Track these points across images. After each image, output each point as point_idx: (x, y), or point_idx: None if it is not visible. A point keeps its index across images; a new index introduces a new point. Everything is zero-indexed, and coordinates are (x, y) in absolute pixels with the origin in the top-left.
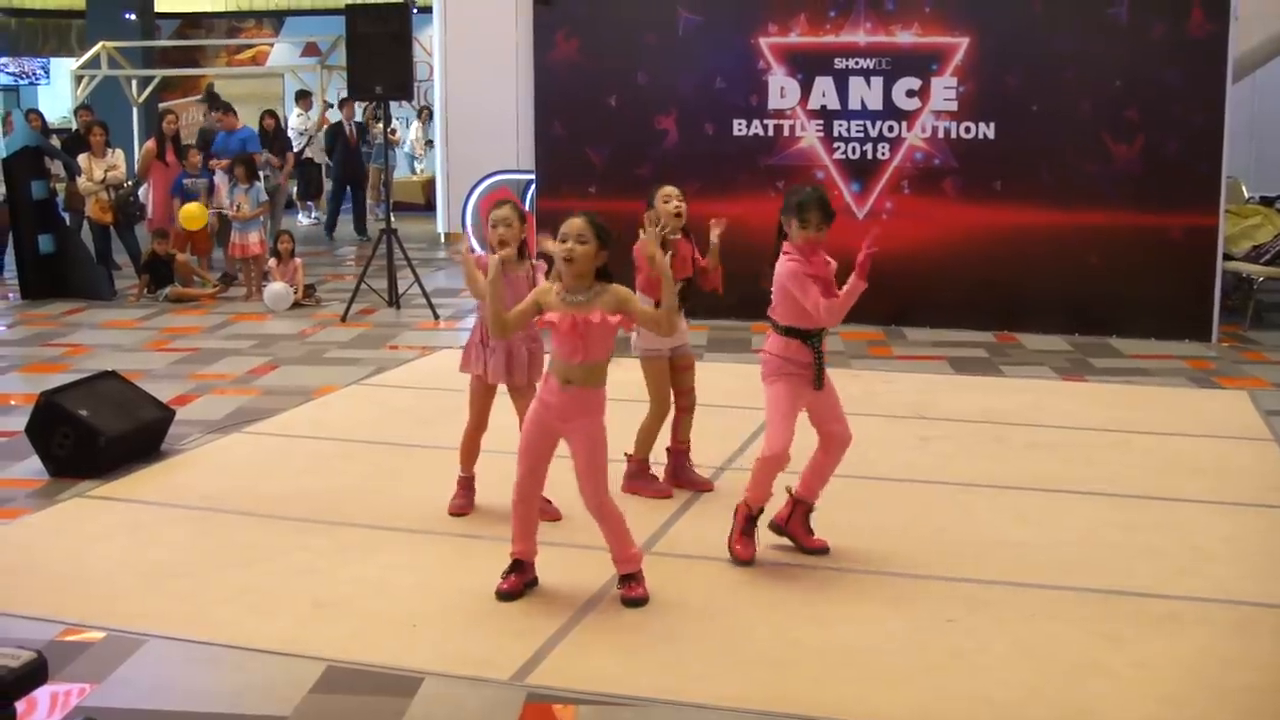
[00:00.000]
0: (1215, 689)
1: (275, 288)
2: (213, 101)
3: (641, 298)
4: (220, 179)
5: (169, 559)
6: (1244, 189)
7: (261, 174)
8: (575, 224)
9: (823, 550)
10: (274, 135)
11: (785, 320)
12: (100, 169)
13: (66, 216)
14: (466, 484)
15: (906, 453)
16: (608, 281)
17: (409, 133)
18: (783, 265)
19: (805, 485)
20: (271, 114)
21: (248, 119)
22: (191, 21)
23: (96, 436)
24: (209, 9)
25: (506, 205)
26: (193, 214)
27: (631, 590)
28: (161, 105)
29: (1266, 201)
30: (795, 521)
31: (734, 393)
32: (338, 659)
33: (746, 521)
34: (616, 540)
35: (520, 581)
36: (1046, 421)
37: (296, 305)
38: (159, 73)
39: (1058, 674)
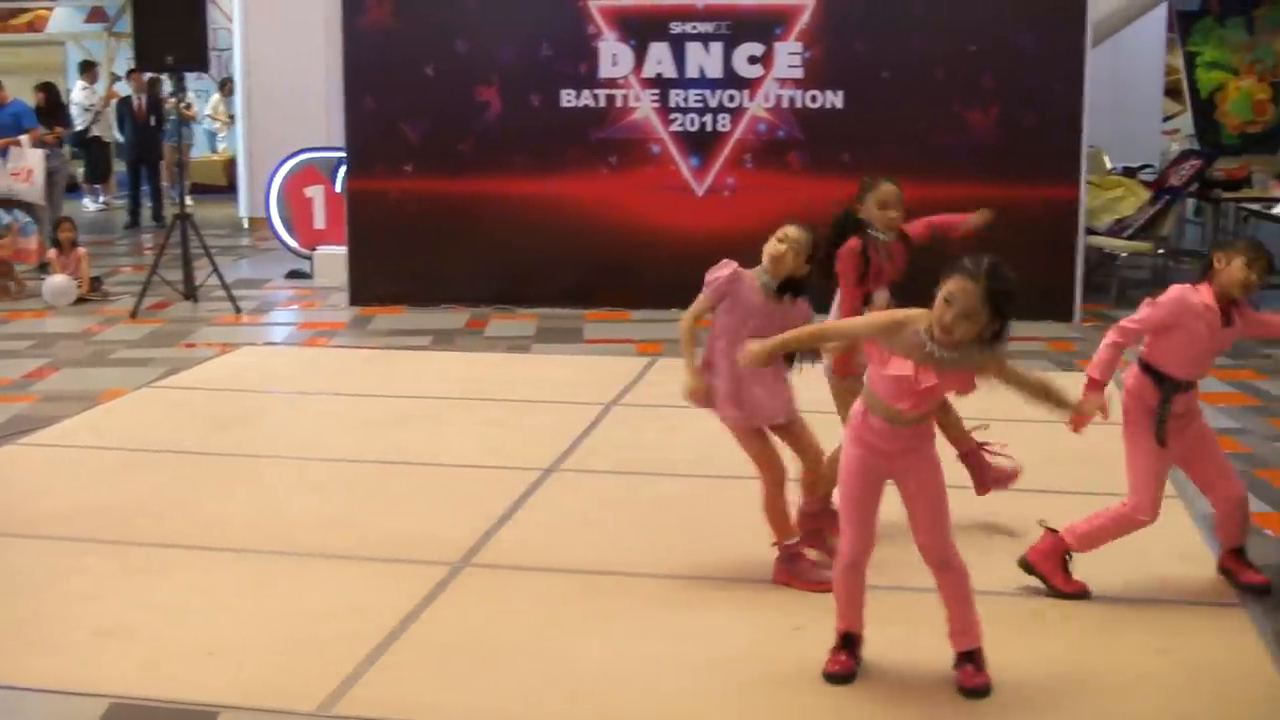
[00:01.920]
0: (1078, 689)
1: (55, 280)
2: None
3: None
4: None
5: None
6: (1106, 159)
7: (43, 153)
8: None
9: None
10: (49, 111)
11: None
12: None
13: None
14: None
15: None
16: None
17: (206, 106)
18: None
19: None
20: (45, 87)
21: (23, 92)
22: None
23: None
24: None
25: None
26: None
27: (968, 677)
28: None
29: (1129, 172)
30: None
31: (564, 386)
32: (123, 695)
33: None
34: (957, 605)
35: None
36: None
37: (81, 300)
38: None
39: (914, 678)
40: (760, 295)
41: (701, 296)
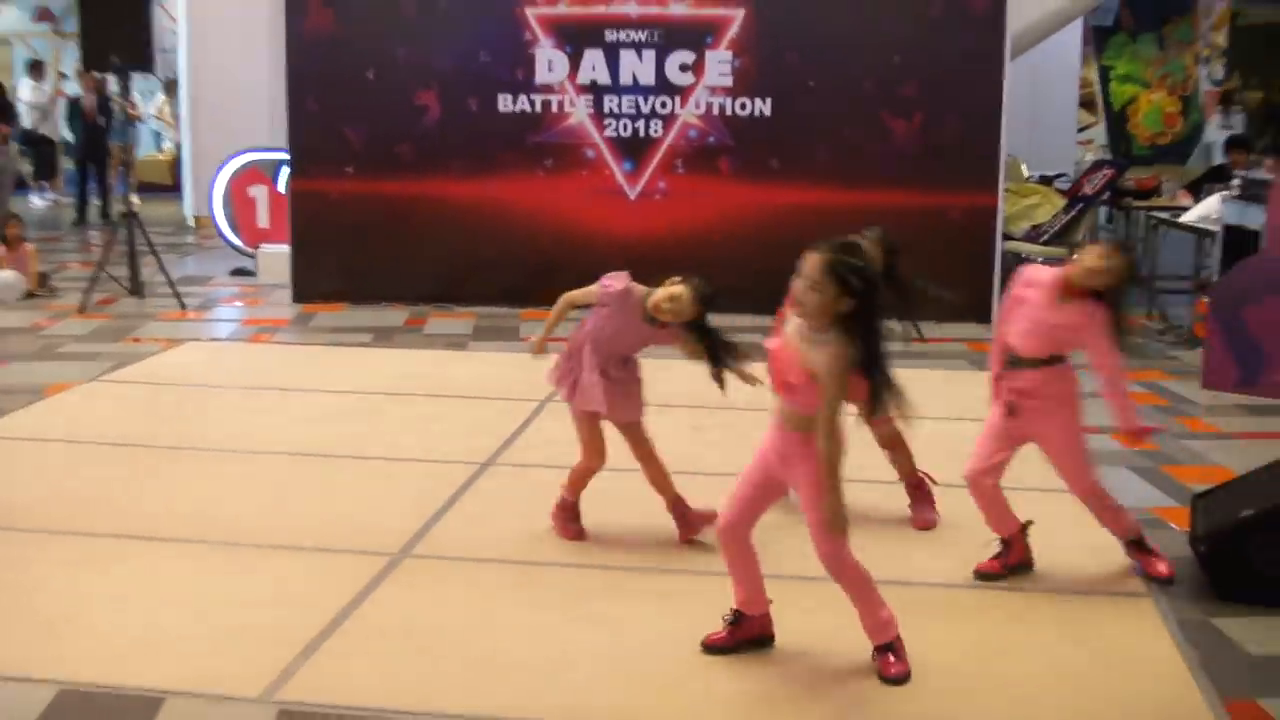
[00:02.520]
0: (994, 678)
1: (4, 275)
2: None
3: None
4: None
5: None
6: (1023, 168)
7: None
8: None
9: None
10: None
11: None
12: None
13: None
14: None
15: (679, 443)
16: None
17: (150, 108)
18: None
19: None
20: None
21: None
22: None
23: None
24: None
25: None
26: None
27: (887, 666)
28: None
29: (1045, 181)
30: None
31: (500, 383)
32: (71, 681)
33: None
34: (863, 603)
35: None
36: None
37: (29, 295)
38: None
39: (834, 667)
40: (640, 313)
41: (590, 292)
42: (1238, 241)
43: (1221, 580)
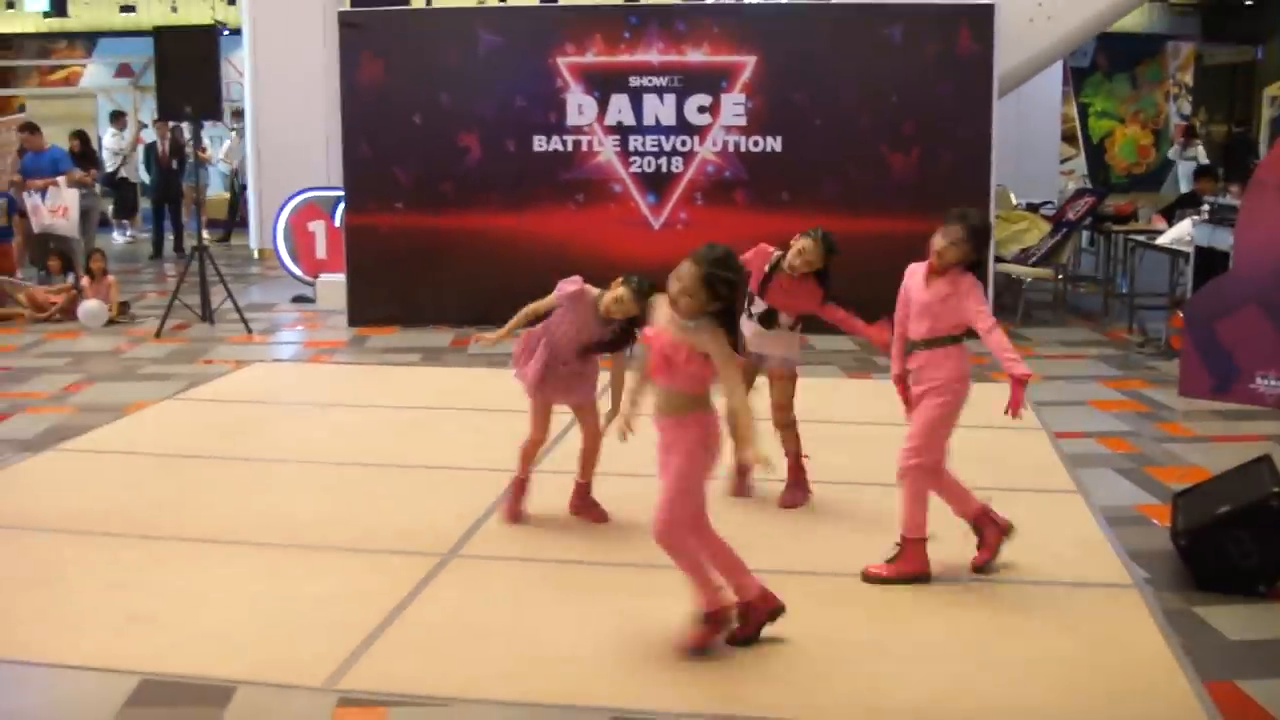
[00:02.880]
0: (992, 664)
1: (89, 305)
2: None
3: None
4: (34, 199)
5: None
6: (1012, 196)
7: (78, 193)
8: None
9: None
10: (82, 155)
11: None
12: None
13: None
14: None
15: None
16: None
17: (219, 152)
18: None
19: None
20: (79, 135)
21: (62, 139)
22: (3, 42)
23: None
24: (20, 30)
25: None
26: None
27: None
28: None
29: (1032, 208)
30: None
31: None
32: (152, 672)
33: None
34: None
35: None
36: (836, 417)
37: (111, 322)
38: None
39: (841, 657)
40: (594, 313)
41: (549, 301)
42: (1208, 261)
43: (1201, 572)
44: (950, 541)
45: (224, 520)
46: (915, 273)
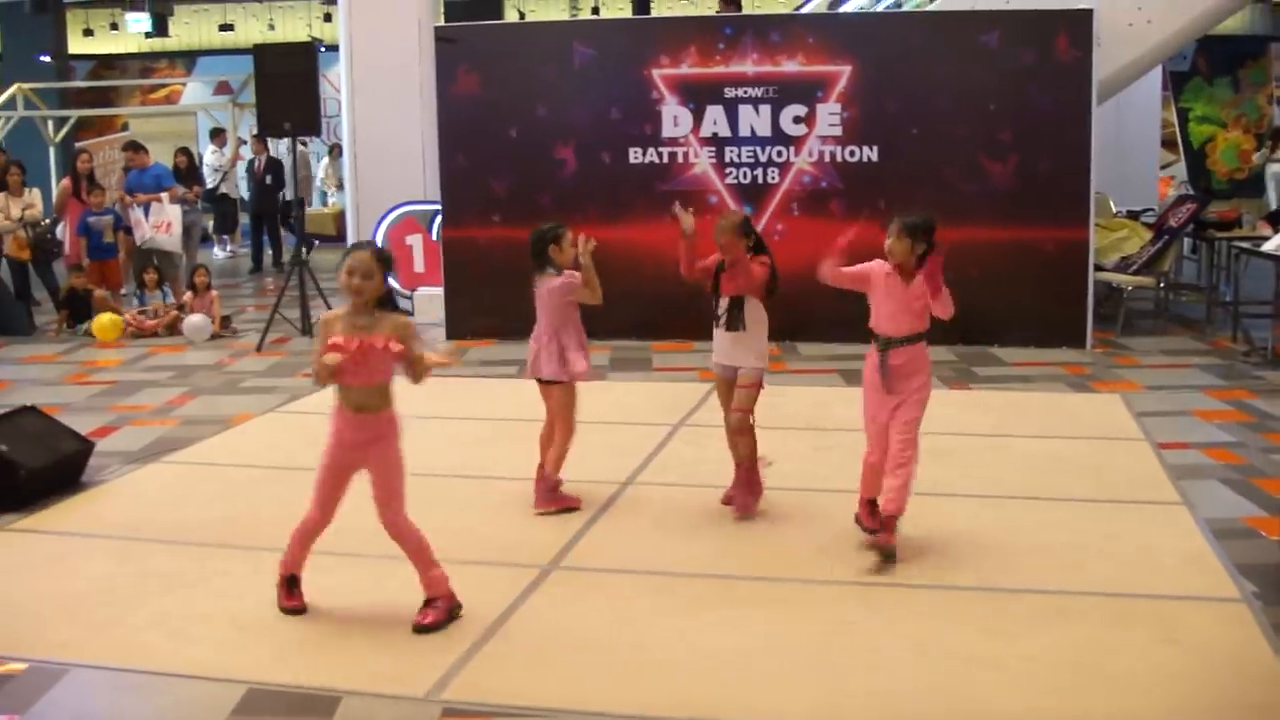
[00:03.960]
0: (1097, 677)
1: (194, 319)
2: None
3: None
4: (137, 214)
5: (90, 589)
6: (1111, 204)
7: (181, 209)
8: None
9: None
10: (187, 172)
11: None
12: (17, 207)
13: None
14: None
15: (801, 462)
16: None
17: (319, 169)
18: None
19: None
20: (184, 151)
21: (163, 156)
22: (106, 63)
23: (17, 470)
24: (122, 50)
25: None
26: (105, 326)
27: (424, 616)
28: (77, 145)
29: (1133, 215)
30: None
31: (636, 409)
32: (259, 681)
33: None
34: (418, 562)
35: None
36: (934, 429)
37: (214, 336)
38: (74, 113)
39: (950, 669)
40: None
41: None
42: None
43: None
44: (1055, 554)
45: (327, 531)
46: (889, 278)
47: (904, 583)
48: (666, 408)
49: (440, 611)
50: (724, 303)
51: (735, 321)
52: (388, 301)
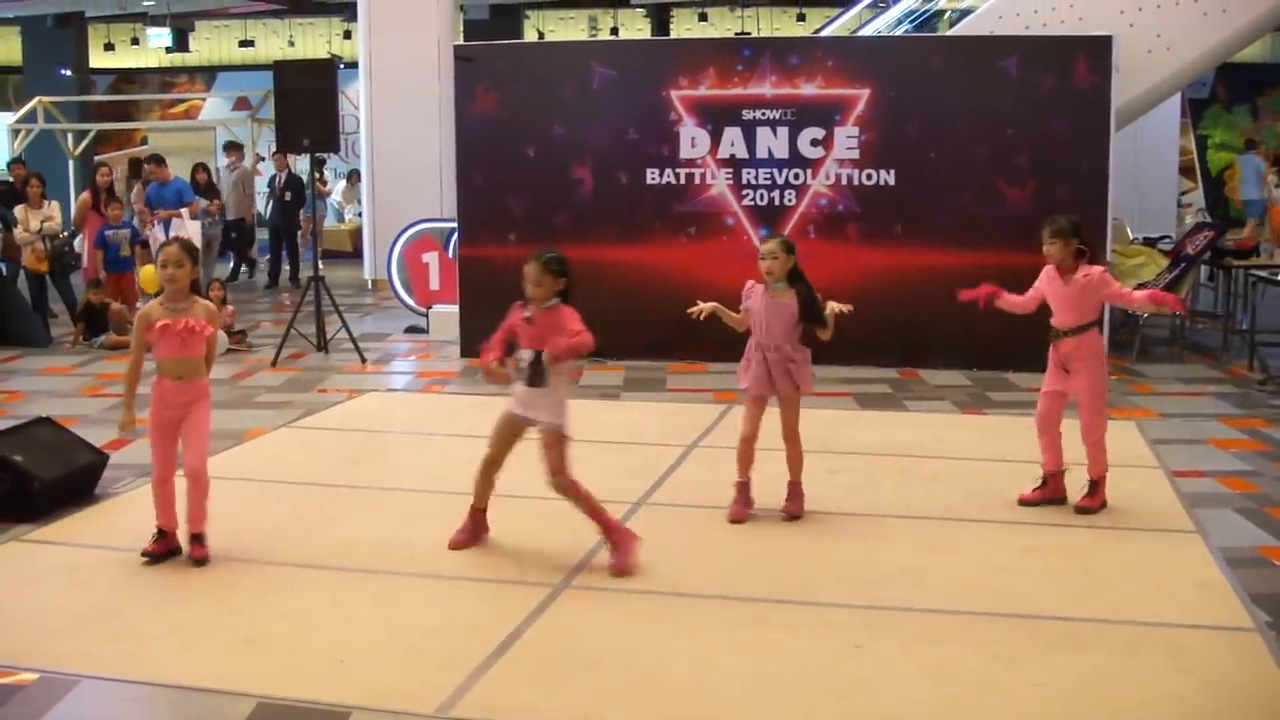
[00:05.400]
0: (1109, 705)
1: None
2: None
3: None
4: (156, 232)
5: (102, 600)
6: (1128, 230)
7: (200, 223)
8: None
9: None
10: (206, 187)
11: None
12: (36, 220)
13: (3, 266)
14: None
15: (815, 485)
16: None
17: (336, 189)
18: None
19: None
20: (203, 168)
21: (181, 171)
22: (126, 77)
23: (31, 481)
24: (143, 65)
25: None
26: (151, 276)
27: (196, 550)
28: (96, 158)
29: (1149, 242)
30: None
31: (650, 430)
32: (268, 695)
33: None
34: (193, 503)
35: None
36: (948, 453)
37: (229, 350)
38: (94, 126)
39: (960, 695)
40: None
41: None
42: None
43: None
44: (1068, 580)
45: (338, 547)
46: (1050, 277)
47: (915, 607)
48: (680, 429)
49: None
50: (527, 355)
51: (538, 376)
52: (194, 289)
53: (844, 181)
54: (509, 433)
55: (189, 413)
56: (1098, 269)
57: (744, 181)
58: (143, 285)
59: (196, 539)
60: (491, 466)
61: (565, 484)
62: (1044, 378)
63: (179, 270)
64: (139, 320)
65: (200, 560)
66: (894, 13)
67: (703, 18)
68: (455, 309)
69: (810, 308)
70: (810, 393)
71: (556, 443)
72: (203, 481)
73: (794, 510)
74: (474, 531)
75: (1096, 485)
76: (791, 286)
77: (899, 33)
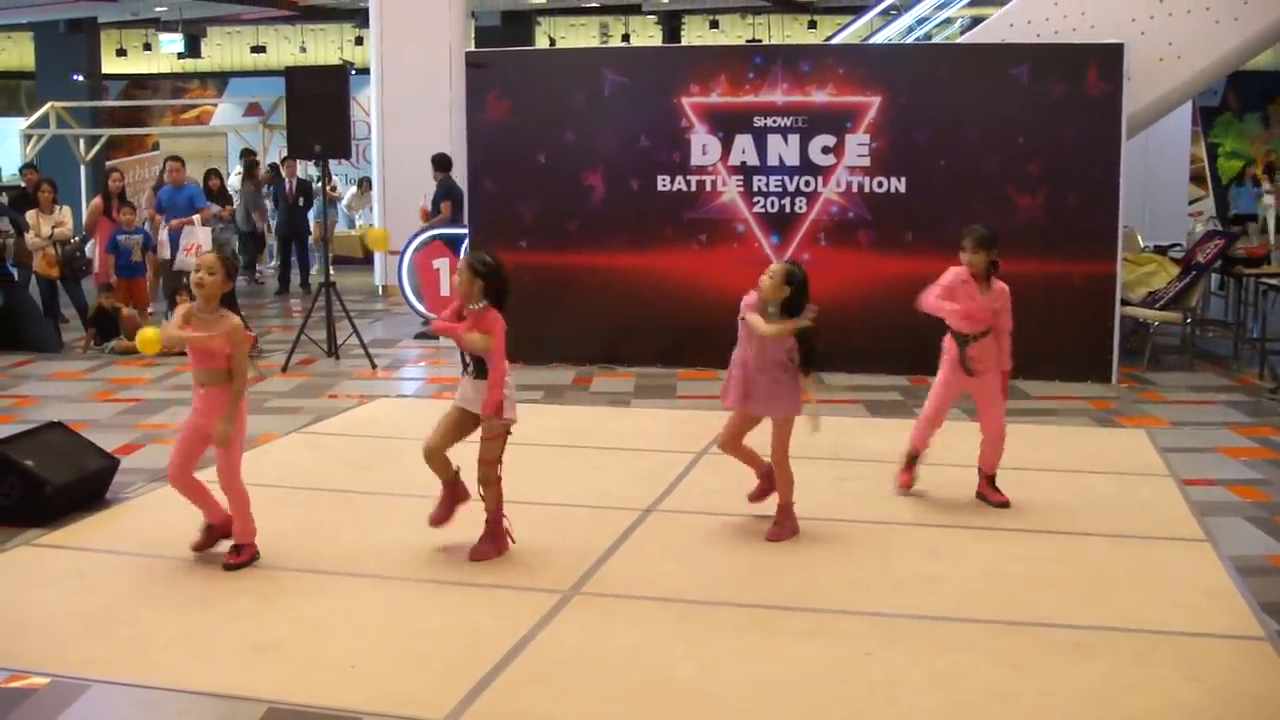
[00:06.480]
0: (1117, 713)
1: None
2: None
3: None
4: (165, 235)
5: (113, 605)
6: (1139, 239)
7: (212, 228)
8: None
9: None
10: (218, 194)
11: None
12: (48, 225)
13: (15, 271)
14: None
15: (824, 492)
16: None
17: (348, 193)
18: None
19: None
20: (215, 174)
21: (192, 175)
22: (138, 82)
23: (42, 486)
24: (155, 71)
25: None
26: (148, 340)
27: (229, 556)
28: (108, 163)
29: (1160, 250)
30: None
31: (660, 436)
32: (278, 700)
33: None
34: (239, 516)
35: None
36: (957, 461)
37: None
38: (106, 132)
39: (967, 702)
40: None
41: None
42: None
43: None
44: (1077, 588)
45: (348, 552)
46: (968, 285)
47: (923, 615)
48: (690, 435)
49: (246, 555)
50: (470, 355)
51: (481, 369)
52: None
53: (855, 189)
54: (453, 422)
55: (211, 420)
56: (1004, 284)
57: (755, 189)
58: (140, 347)
59: (234, 548)
60: (431, 457)
61: (490, 476)
62: (938, 377)
63: (210, 277)
64: (177, 315)
65: (229, 566)
66: (905, 20)
67: (714, 25)
68: None
69: (808, 357)
70: (799, 414)
71: (495, 437)
72: (234, 492)
73: (777, 534)
74: (449, 503)
75: (994, 479)
76: (786, 316)
77: (910, 39)
